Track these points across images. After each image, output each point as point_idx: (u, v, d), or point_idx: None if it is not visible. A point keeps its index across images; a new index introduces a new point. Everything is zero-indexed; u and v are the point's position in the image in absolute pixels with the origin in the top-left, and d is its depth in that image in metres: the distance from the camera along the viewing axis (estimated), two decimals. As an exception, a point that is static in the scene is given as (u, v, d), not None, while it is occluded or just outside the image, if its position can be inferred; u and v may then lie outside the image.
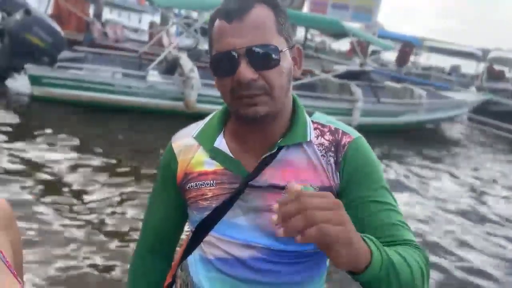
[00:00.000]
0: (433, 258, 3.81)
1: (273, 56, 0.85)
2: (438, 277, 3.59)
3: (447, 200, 5.63)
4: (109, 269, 2.99)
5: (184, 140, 1.02)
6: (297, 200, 0.64)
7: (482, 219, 5.15)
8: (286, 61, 0.89)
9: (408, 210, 4.92)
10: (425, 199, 5.52)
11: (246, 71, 0.83)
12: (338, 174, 0.92)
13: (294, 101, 0.98)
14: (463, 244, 4.35)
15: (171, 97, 6.87)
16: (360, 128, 1.04)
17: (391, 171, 6.44)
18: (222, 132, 0.99)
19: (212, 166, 0.96)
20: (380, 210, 0.89)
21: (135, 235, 3.41)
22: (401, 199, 5.22)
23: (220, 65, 0.87)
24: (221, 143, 0.97)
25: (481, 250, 4.28)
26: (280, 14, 0.88)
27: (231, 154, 0.96)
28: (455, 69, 20.82)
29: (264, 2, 0.87)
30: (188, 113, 6.68)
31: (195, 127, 1.04)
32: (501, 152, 9.90)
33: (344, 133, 0.95)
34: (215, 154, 0.97)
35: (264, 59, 0.84)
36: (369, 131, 1.03)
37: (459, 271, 3.76)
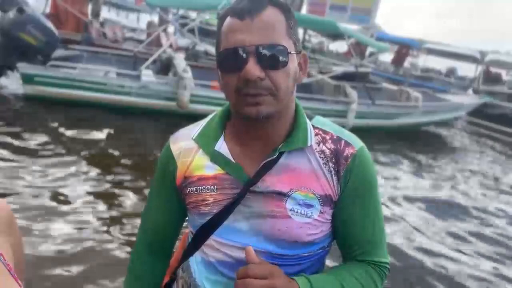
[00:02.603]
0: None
1: (282, 56, 0.85)
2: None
3: (443, 203, 5.61)
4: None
5: (183, 142, 1.01)
6: (246, 267, 0.85)
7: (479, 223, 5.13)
8: (293, 64, 0.89)
9: (399, 214, 4.90)
10: (420, 202, 5.49)
11: (253, 69, 0.83)
12: (339, 186, 0.93)
13: (295, 105, 0.98)
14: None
15: (164, 97, 6.85)
16: (354, 130, 1.06)
17: (385, 174, 6.43)
18: (223, 134, 0.98)
19: (212, 170, 0.96)
20: (367, 230, 0.97)
21: (130, 236, 3.41)
22: (394, 202, 5.21)
23: (228, 61, 0.87)
24: (221, 146, 0.96)
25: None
26: (291, 18, 0.89)
27: (232, 158, 0.95)
28: (451, 72, 20.78)
29: (276, 5, 0.87)
30: (180, 112, 6.68)
31: (194, 128, 1.03)
32: (497, 154, 9.88)
33: (346, 143, 0.95)
34: (216, 157, 0.96)
35: (272, 59, 0.84)
36: (363, 133, 1.04)
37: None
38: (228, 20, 0.87)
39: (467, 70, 20.65)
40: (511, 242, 4.70)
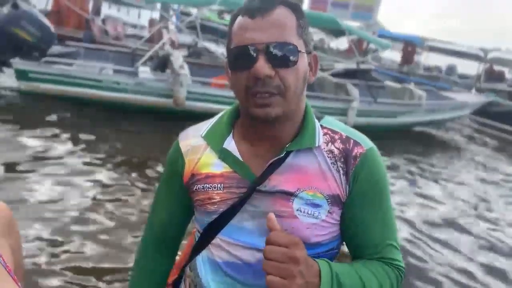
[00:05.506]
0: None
1: (292, 55, 0.86)
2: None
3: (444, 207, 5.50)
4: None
5: (192, 140, 1.02)
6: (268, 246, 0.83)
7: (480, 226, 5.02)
8: (303, 63, 0.89)
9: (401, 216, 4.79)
10: (420, 204, 5.38)
11: (263, 67, 0.83)
12: (347, 186, 0.92)
13: (305, 105, 0.98)
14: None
15: (161, 94, 6.74)
16: (356, 129, 1.01)
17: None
18: (232, 133, 0.98)
19: (219, 168, 0.96)
20: (378, 231, 0.95)
21: (132, 236, 3.38)
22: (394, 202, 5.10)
23: (238, 58, 0.87)
24: (230, 144, 0.96)
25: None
26: (301, 18, 0.90)
27: (240, 157, 0.95)
28: (452, 69, 20.52)
29: (287, 5, 0.88)
30: (176, 110, 6.58)
31: (203, 126, 1.03)
32: (498, 154, 9.75)
33: (356, 143, 0.94)
34: (224, 155, 0.96)
35: (282, 57, 0.85)
36: (364, 132, 0.96)
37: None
38: (239, 18, 0.88)
39: (467, 68, 20.47)
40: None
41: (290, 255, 0.81)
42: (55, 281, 2.74)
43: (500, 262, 4.13)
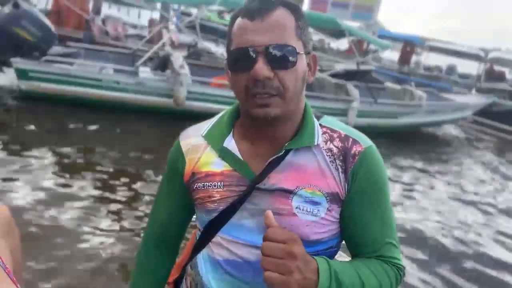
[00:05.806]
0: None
1: (291, 57, 0.87)
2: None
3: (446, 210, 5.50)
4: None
5: (193, 139, 1.03)
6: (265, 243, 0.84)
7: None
8: (302, 64, 0.90)
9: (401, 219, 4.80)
10: (421, 208, 5.38)
11: (262, 69, 0.84)
12: (346, 184, 0.93)
13: (304, 105, 0.99)
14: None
15: (161, 93, 6.73)
16: (356, 129, 1.02)
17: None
18: (232, 132, 0.99)
19: (220, 166, 0.97)
20: (376, 229, 0.96)
21: (133, 236, 3.39)
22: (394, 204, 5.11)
23: (237, 60, 0.89)
24: (230, 143, 0.97)
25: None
26: (300, 19, 0.91)
27: (239, 155, 0.96)
28: (452, 69, 20.47)
29: (286, 6, 0.90)
30: (176, 110, 6.58)
31: (204, 126, 1.04)
32: (499, 153, 9.75)
33: (354, 141, 0.95)
34: (224, 154, 0.97)
35: (281, 59, 0.86)
36: (365, 133, 1.01)
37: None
38: (239, 20, 0.89)
39: (468, 68, 20.44)
40: None
41: (287, 251, 0.82)
42: (55, 281, 2.75)
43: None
